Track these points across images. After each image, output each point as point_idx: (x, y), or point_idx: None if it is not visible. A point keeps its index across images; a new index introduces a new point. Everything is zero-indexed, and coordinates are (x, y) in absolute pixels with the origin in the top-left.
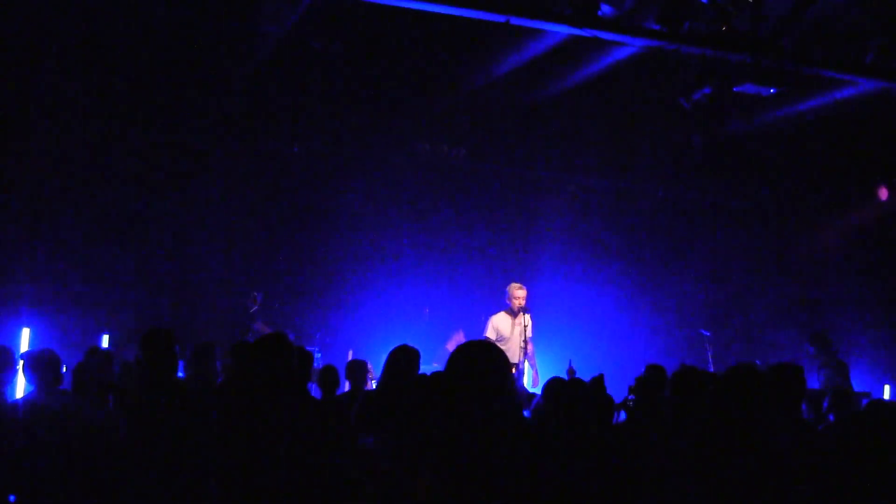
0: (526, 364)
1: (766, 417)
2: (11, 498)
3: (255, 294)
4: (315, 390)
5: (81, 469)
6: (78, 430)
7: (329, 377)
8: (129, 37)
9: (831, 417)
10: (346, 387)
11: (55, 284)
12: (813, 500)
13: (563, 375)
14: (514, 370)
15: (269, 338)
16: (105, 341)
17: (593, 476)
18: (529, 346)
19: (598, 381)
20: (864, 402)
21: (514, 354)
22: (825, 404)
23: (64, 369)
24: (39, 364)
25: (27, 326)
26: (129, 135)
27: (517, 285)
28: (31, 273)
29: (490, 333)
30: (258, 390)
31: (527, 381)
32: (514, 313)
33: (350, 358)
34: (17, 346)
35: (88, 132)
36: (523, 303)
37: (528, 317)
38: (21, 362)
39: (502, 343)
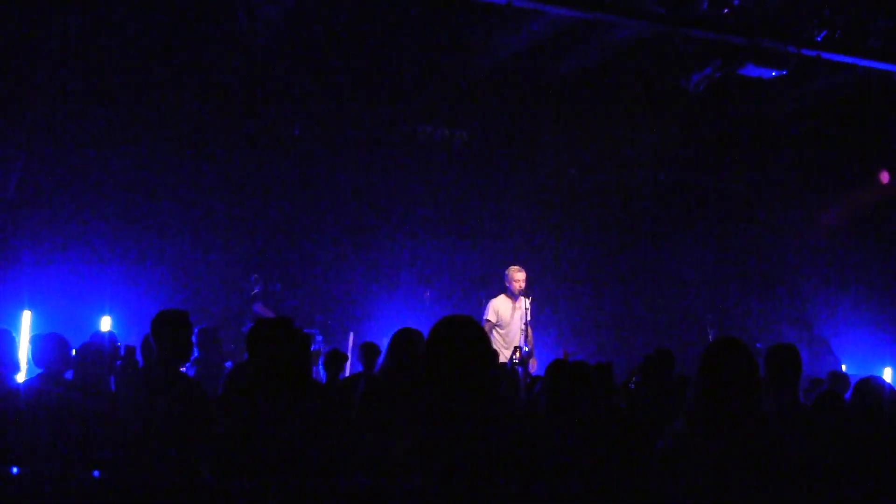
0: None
1: (766, 399)
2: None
3: (255, 277)
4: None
5: (82, 453)
6: (79, 414)
7: (335, 360)
8: (128, 20)
9: None
10: (348, 370)
11: (56, 267)
12: (810, 484)
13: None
14: (518, 353)
15: (276, 322)
16: (105, 324)
17: (594, 458)
18: (529, 331)
19: (606, 368)
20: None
21: (514, 339)
22: (824, 387)
23: (74, 352)
24: (46, 348)
25: (28, 309)
26: (129, 118)
27: (516, 268)
28: (32, 256)
29: (490, 316)
30: (268, 374)
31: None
32: (514, 297)
33: (351, 341)
34: (18, 328)
35: (87, 114)
36: (523, 286)
37: (528, 301)
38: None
39: (502, 328)
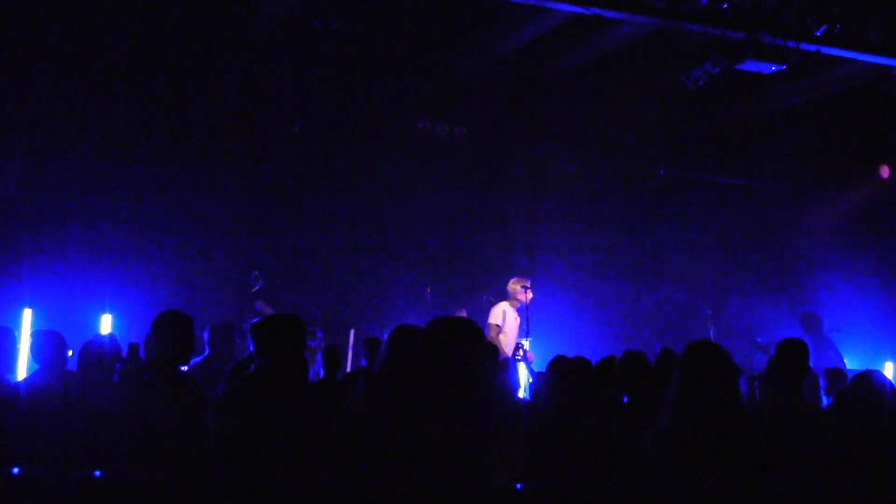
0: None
1: (772, 394)
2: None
3: (256, 274)
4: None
5: (84, 450)
6: (81, 412)
7: (331, 357)
8: (129, 17)
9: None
10: (349, 366)
11: (56, 265)
12: (811, 477)
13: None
14: (521, 351)
15: (284, 319)
16: (106, 322)
17: (594, 451)
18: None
19: (607, 363)
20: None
21: (511, 346)
22: (824, 384)
23: (70, 353)
24: (45, 344)
25: (29, 307)
26: (129, 117)
27: (523, 280)
28: (33, 253)
29: (498, 320)
30: (275, 372)
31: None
32: (516, 307)
33: (352, 337)
34: (19, 326)
35: (88, 110)
36: (527, 298)
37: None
38: (25, 342)
39: (504, 333)
